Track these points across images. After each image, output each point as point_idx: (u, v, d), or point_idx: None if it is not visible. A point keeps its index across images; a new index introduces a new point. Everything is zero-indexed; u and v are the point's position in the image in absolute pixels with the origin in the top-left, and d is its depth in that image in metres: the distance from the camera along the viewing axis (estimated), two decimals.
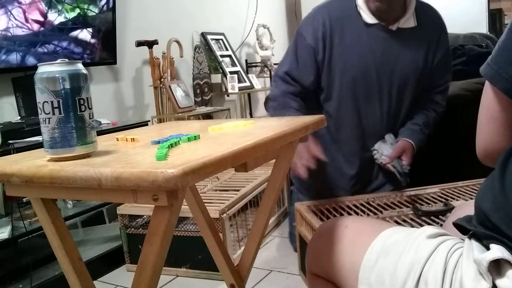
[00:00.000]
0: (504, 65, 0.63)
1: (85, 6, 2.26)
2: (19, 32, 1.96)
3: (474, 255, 0.62)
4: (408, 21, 1.61)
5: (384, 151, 1.67)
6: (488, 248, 0.62)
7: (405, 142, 1.66)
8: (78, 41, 2.24)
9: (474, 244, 0.64)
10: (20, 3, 1.96)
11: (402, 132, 1.71)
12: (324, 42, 1.61)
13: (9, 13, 1.92)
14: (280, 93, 1.69)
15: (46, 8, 2.08)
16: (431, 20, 1.66)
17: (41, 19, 2.06)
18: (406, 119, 1.74)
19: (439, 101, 1.77)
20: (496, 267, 0.59)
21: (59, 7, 2.13)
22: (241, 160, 0.68)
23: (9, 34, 1.92)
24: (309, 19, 1.67)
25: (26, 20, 1.99)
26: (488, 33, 3.18)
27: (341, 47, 1.61)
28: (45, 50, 2.08)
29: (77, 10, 2.23)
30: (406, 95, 1.68)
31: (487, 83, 0.67)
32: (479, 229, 0.65)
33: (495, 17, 3.72)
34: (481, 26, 3.35)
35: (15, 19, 1.94)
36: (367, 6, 1.59)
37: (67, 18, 2.18)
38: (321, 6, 1.69)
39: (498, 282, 0.59)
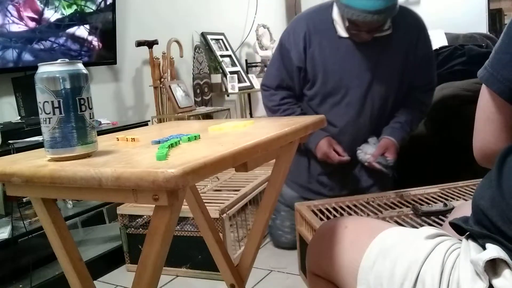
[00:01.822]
0: (499, 67, 0.64)
1: (82, 3, 2.26)
2: (15, 28, 1.95)
3: (470, 255, 0.62)
4: (384, 30, 1.65)
5: (368, 150, 1.72)
6: (484, 248, 0.62)
7: (387, 140, 1.71)
8: (75, 38, 2.24)
9: (471, 244, 0.65)
10: None
11: (384, 131, 1.77)
12: (306, 54, 1.71)
13: (5, 9, 1.91)
14: (280, 100, 1.79)
15: (43, 4, 2.07)
16: (408, 23, 1.71)
17: (37, 15, 2.05)
18: (390, 119, 1.80)
19: (425, 100, 1.82)
20: (493, 267, 0.60)
21: (56, 3, 2.13)
22: (241, 160, 0.68)
23: (5, 31, 1.91)
24: (290, 31, 1.75)
25: (22, 16, 1.99)
26: (488, 33, 3.19)
27: (321, 58, 1.70)
28: (42, 47, 2.08)
29: (74, 7, 2.22)
30: (389, 99, 1.75)
31: (483, 86, 0.68)
32: (475, 229, 0.65)
33: (495, 17, 3.72)
34: (481, 26, 3.35)
35: (11, 15, 1.93)
36: (343, 22, 1.65)
37: (64, 14, 2.17)
38: (301, 17, 1.77)
39: (495, 282, 0.59)
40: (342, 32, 1.67)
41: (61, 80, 0.65)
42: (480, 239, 0.64)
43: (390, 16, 1.57)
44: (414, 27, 1.72)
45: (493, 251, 0.60)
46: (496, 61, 0.65)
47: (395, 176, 1.80)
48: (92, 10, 2.30)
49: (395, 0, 1.53)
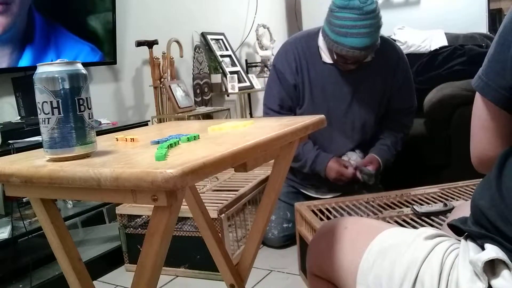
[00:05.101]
0: (492, 76, 0.65)
1: None
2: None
3: (469, 255, 0.62)
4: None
5: (352, 156, 1.88)
6: (483, 248, 0.62)
7: (374, 156, 1.87)
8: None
9: (470, 244, 0.65)
10: None
11: (371, 151, 1.90)
12: (298, 75, 1.85)
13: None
14: None
15: None
16: (387, 52, 1.85)
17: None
18: (373, 140, 1.93)
19: (407, 123, 1.98)
20: (491, 268, 0.60)
21: None
22: (241, 160, 0.68)
23: (4, 30, 1.91)
24: (282, 55, 1.88)
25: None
26: (488, 33, 3.18)
27: (308, 80, 1.84)
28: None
29: None
30: (368, 120, 1.88)
31: (477, 94, 0.69)
32: (474, 229, 0.65)
33: (495, 17, 3.72)
34: (481, 26, 3.34)
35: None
36: (329, 52, 1.77)
37: None
38: (290, 41, 1.90)
39: (493, 282, 0.59)
40: (326, 58, 1.81)
41: (60, 80, 0.65)
42: (479, 239, 0.64)
43: (374, 50, 1.72)
44: (393, 55, 1.86)
45: (492, 251, 0.60)
46: (490, 70, 0.66)
47: (377, 184, 1.90)
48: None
49: (378, 35, 1.68)
